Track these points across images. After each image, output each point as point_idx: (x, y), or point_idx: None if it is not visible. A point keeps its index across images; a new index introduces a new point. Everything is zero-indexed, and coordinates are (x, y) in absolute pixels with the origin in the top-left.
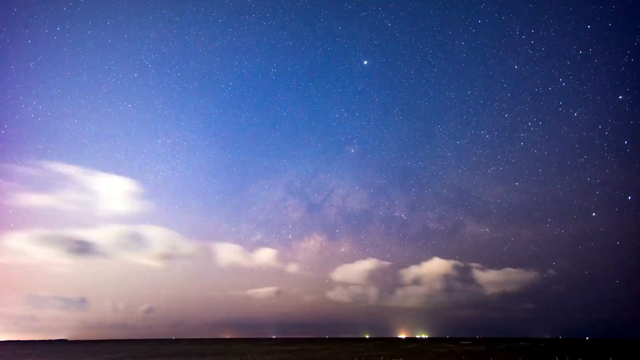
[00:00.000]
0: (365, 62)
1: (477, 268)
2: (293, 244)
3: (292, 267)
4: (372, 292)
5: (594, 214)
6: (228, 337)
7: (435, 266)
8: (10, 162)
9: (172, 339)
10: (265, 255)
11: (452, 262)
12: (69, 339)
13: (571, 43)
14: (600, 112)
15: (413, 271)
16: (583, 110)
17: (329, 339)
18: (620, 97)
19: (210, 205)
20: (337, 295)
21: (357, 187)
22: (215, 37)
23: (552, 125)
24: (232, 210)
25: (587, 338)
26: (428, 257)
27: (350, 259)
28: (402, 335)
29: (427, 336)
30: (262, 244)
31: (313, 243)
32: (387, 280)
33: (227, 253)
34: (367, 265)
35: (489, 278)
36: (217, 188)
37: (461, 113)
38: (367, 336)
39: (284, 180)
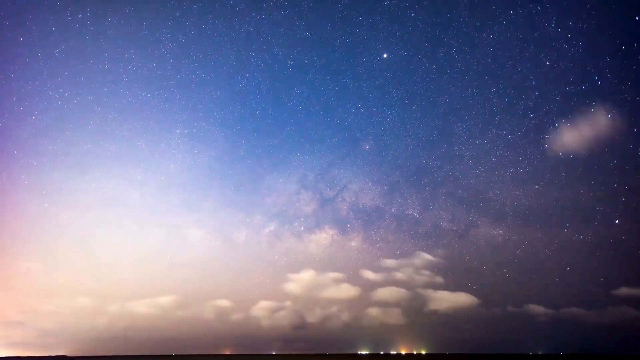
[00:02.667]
0: (385, 56)
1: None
2: (305, 236)
3: None
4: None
5: (617, 221)
6: (228, 353)
7: None
8: (41, 145)
9: (172, 355)
10: None
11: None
12: (68, 354)
13: (614, 37)
14: (638, 114)
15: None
16: (618, 112)
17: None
18: None
19: (226, 195)
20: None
21: (370, 184)
22: (232, 27)
23: (581, 127)
24: (247, 201)
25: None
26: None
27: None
28: (403, 352)
29: (424, 352)
30: (275, 235)
31: (324, 236)
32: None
33: None
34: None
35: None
36: (232, 179)
37: (483, 112)
38: (365, 352)
39: (298, 174)
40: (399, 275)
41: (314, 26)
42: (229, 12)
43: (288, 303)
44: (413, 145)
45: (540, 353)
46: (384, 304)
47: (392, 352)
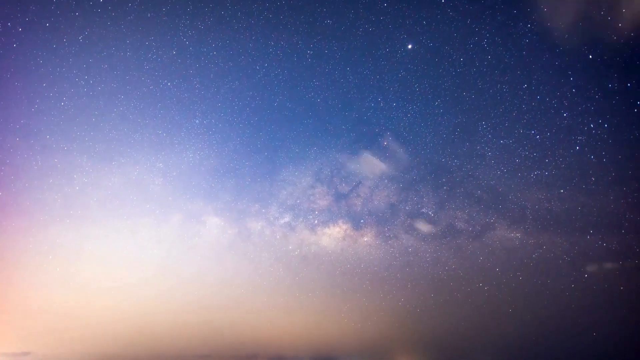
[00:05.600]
0: (410, 46)
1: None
2: (318, 230)
3: None
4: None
5: None
6: None
7: None
8: (70, 131)
9: None
10: None
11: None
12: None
13: None
14: None
15: None
16: None
17: None
18: None
19: (243, 185)
20: None
21: (385, 181)
22: (251, 13)
23: (620, 128)
24: (263, 193)
25: None
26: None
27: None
28: None
29: None
30: (289, 227)
31: (337, 230)
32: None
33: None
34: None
35: None
36: (249, 170)
37: (512, 109)
38: None
39: (314, 167)
40: None
41: (336, 13)
42: None
43: None
44: (433, 142)
45: None
46: None
47: None
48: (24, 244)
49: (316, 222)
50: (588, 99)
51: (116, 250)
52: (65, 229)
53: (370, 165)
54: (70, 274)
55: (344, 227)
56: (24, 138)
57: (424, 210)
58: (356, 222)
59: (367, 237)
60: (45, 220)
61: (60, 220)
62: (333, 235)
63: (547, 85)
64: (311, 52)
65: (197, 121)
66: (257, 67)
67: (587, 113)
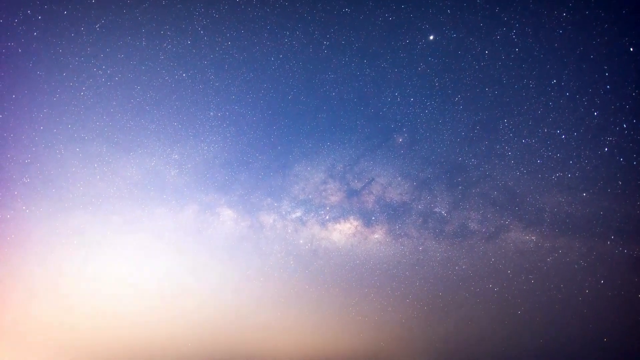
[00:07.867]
0: (431, 37)
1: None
2: (329, 225)
3: None
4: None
5: None
6: None
7: None
8: (89, 121)
9: None
10: None
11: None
12: None
13: None
14: None
15: None
16: None
17: None
18: None
19: (256, 179)
20: None
21: (399, 178)
22: (266, 1)
23: None
24: (275, 187)
25: None
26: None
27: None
28: None
29: None
30: (301, 221)
31: (348, 227)
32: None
33: None
34: None
35: None
36: (262, 164)
37: (537, 107)
38: None
39: (327, 163)
40: None
41: (355, 1)
42: None
43: None
44: (450, 140)
45: None
46: None
47: None
48: (51, 229)
49: (327, 217)
50: (623, 97)
51: (134, 238)
52: (88, 215)
53: (384, 162)
54: (93, 259)
55: (355, 223)
56: (47, 127)
57: (437, 209)
58: (367, 219)
59: (378, 235)
60: (69, 207)
61: (83, 208)
62: (344, 231)
63: (579, 81)
64: (327, 42)
65: (211, 113)
66: (272, 59)
67: (621, 112)
